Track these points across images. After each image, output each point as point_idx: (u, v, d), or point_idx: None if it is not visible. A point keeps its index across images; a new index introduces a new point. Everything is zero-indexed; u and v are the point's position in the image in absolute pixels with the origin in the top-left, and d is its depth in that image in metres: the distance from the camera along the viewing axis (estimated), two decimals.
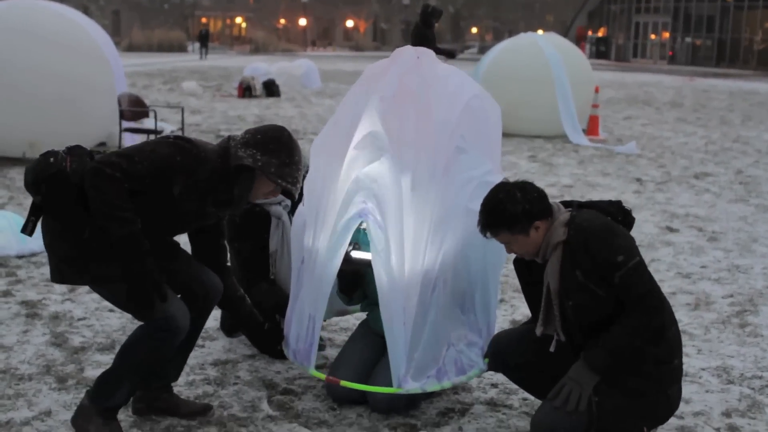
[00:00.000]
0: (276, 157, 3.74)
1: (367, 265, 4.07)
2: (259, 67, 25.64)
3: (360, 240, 4.16)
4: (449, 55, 16.17)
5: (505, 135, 14.86)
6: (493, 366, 4.12)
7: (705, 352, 5.13)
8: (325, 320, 4.29)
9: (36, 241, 6.92)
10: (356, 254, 4.15)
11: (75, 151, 3.71)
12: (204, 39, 50.41)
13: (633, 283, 3.54)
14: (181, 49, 58.48)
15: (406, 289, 3.94)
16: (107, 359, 4.81)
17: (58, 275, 3.75)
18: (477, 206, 3.89)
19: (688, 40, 53.30)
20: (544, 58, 14.65)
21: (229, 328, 5.09)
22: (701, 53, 52.29)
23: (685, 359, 4.93)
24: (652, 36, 56.62)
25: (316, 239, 4.13)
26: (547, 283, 3.69)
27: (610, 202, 3.81)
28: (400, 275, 3.93)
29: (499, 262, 4.31)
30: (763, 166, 12.31)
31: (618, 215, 3.73)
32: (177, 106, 12.93)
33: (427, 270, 3.98)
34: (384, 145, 4.02)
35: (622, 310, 3.57)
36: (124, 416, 4.13)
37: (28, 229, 3.73)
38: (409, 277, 3.94)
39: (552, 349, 3.79)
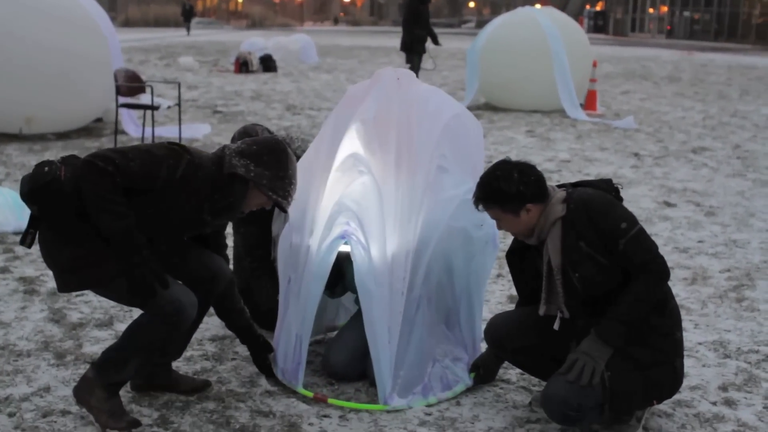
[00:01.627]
0: (269, 169, 3.73)
1: (345, 258, 4.09)
2: (256, 42, 25.52)
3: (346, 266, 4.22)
4: (434, 40, 16.15)
5: (503, 110, 14.90)
6: (492, 351, 4.18)
7: (702, 327, 5.15)
8: (314, 337, 4.30)
9: None
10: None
11: (69, 160, 3.70)
12: (188, 14, 49.01)
13: (637, 249, 3.56)
14: (178, 24, 58.21)
15: (390, 307, 3.99)
16: (105, 335, 4.82)
17: (63, 285, 3.76)
18: (459, 224, 4.04)
19: (687, 14, 53.10)
20: (541, 32, 14.59)
21: None
22: (700, 27, 52.10)
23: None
24: (651, 10, 56.42)
25: (300, 260, 4.16)
26: (548, 260, 3.71)
27: (600, 180, 3.85)
28: (384, 293, 3.98)
29: (483, 278, 4.36)
30: (761, 141, 12.30)
31: (610, 191, 3.77)
32: (174, 82, 12.90)
33: (411, 288, 4.03)
34: (365, 166, 4.05)
35: (627, 282, 3.60)
36: (123, 391, 4.14)
37: (27, 242, 3.73)
38: (393, 296, 3.99)
39: (556, 326, 3.81)
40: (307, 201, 4.19)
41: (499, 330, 4.08)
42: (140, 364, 3.84)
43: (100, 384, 3.78)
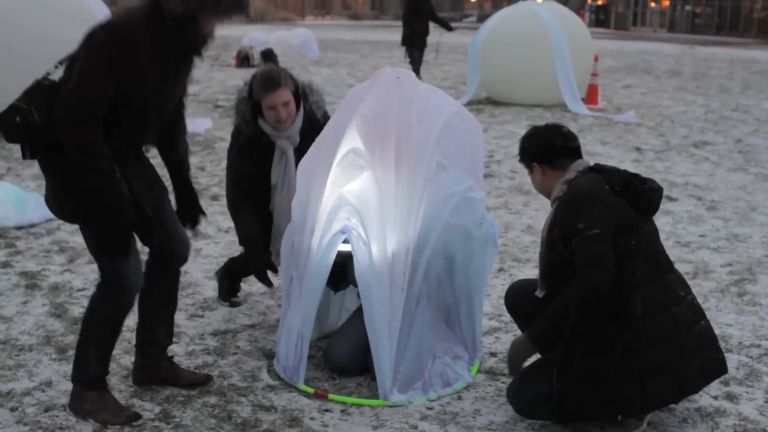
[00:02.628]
0: None
1: (349, 257, 4.10)
2: (257, 36, 25.48)
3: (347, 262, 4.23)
4: (446, 27, 16.14)
5: (504, 104, 14.88)
6: (509, 311, 4.39)
7: None
8: (313, 339, 4.31)
9: (35, 212, 6.93)
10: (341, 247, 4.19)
11: (35, 97, 3.62)
12: None
13: (581, 251, 3.59)
14: None
15: (390, 303, 4.01)
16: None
17: (47, 204, 3.84)
18: (459, 222, 4.09)
19: (688, 8, 52.99)
20: (543, 26, 14.56)
21: (227, 291, 5.18)
22: (701, 21, 52.00)
23: None
24: (652, 4, 56.32)
25: (302, 257, 4.17)
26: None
27: (621, 171, 3.83)
28: (385, 289, 3.99)
29: (483, 277, 4.37)
30: (763, 135, 12.28)
31: (617, 185, 3.72)
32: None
33: (410, 284, 4.05)
34: (365, 162, 4.06)
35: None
36: (125, 386, 4.15)
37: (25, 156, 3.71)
38: (393, 292, 4.01)
39: (539, 294, 3.92)
40: (309, 198, 4.19)
41: (513, 294, 4.28)
42: (104, 351, 3.83)
43: (82, 387, 3.82)
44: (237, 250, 6.32)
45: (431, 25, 15.91)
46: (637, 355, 3.58)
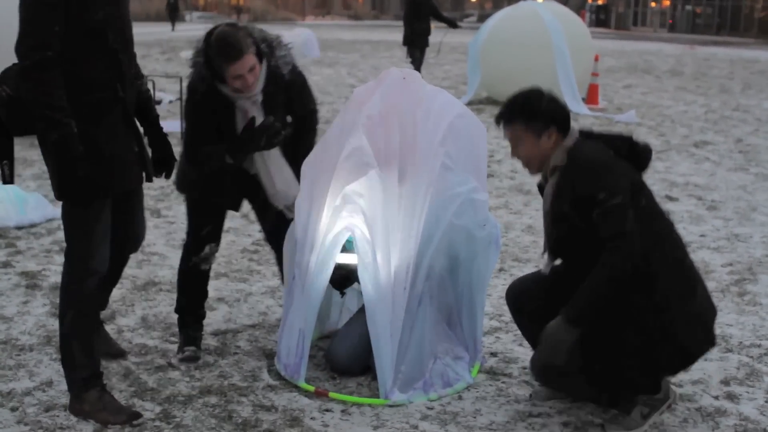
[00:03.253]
0: None
1: (355, 270, 4.15)
2: None
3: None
4: (452, 24, 16.13)
5: None
6: (512, 314, 4.20)
7: None
8: (314, 338, 4.31)
9: (35, 212, 6.93)
10: (343, 258, 4.23)
11: (6, 74, 3.71)
12: (173, 9, 46.25)
13: (607, 222, 3.47)
14: (180, 18, 58.21)
15: (392, 302, 4.01)
16: (107, 329, 4.82)
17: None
18: (462, 222, 4.06)
19: (689, 7, 53.00)
20: (543, 26, 14.56)
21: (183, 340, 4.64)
22: (702, 21, 52.01)
23: None
24: (653, 4, 56.32)
25: (305, 255, 4.17)
26: (543, 207, 3.77)
27: (618, 135, 3.74)
28: (387, 288, 4.00)
29: (485, 278, 4.37)
30: (763, 135, 12.28)
31: (622, 149, 3.65)
32: (175, 76, 12.87)
33: (413, 284, 4.05)
34: (370, 160, 4.06)
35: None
36: (125, 386, 4.15)
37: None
38: (395, 291, 4.01)
39: (544, 270, 3.83)
40: (313, 196, 4.19)
41: (517, 293, 4.10)
42: (87, 344, 3.86)
43: (78, 388, 3.84)
44: (236, 251, 6.33)
45: (434, 24, 15.91)
46: (666, 312, 3.55)
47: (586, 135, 3.76)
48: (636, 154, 3.69)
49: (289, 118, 4.23)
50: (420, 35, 15.67)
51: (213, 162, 4.29)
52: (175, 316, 4.73)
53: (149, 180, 4.00)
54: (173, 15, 45.84)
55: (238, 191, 4.50)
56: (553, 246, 3.77)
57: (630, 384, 3.69)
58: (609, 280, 3.50)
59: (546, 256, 3.87)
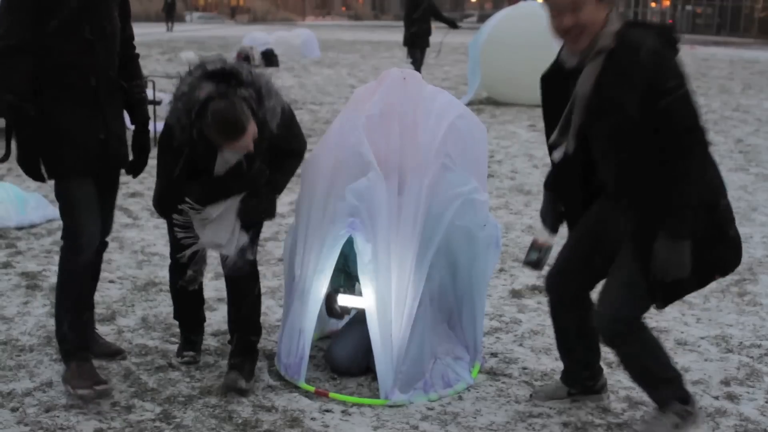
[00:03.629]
0: None
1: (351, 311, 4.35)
2: (258, 36, 25.50)
3: (349, 255, 4.27)
4: (452, 25, 16.16)
5: (505, 104, 14.87)
6: (553, 305, 3.93)
7: (704, 321, 5.14)
8: (314, 339, 4.31)
9: (36, 212, 6.93)
10: (343, 300, 4.33)
11: None
12: (170, 9, 44.40)
13: (680, 112, 3.21)
14: (179, 18, 58.23)
15: (392, 302, 4.01)
16: (107, 330, 4.83)
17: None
18: (463, 223, 4.04)
19: (689, 8, 53.02)
20: (543, 26, 14.40)
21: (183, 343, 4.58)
22: (702, 21, 52.01)
23: (684, 328, 4.98)
24: (653, 4, 56.32)
25: (305, 255, 4.18)
26: (577, 89, 3.42)
27: (661, 25, 3.46)
28: (387, 289, 4.00)
29: (486, 279, 4.38)
30: (763, 135, 12.28)
31: (667, 40, 3.35)
32: (175, 77, 12.89)
33: (413, 284, 4.05)
34: (370, 161, 4.06)
35: (650, 145, 3.27)
36: (125, 386, 4.15)
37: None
38: (396, 291, 4.01)
39: (556, 159, 3.59)
40: (313, 195, 4.19)
41: (557, 280, 3.87)
42: (73, 318, 4.06)
43: (66, 359, 4.05)
44: None
45: (434, 25, 15.94)
46: (715, 209, 3.43)
47: (631, 24, 3.44)
48: (675, 45, 3.37)
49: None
50: (420, 36, 15.68)
51: (185, 213, 4.10)
52: None
53: (127, 172, 4.32)
54: (170, 15, 44.59)
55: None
56: (579, 131, 3.44)
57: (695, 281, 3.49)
58: (701, 176, 3.31)
59: (562, 140, 3.53)
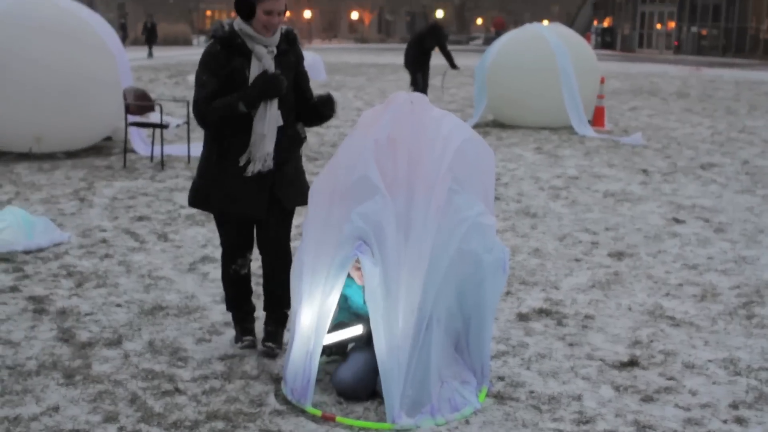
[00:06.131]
0: None
1: (349, 342, 4.45)
2: None
3: (349, 295, 4.42)
4: (452, 65, 16.40)
5: (511, 127, 14.90)
6: None
7: (712, 344, 5.13)
8: (321, 362, 4.32)
9: (43, 236, 6.95)
10: (336, 336, 4.39)
11: None
12: (150, 34, 41.20)
13: None
14: (186, 42, 58.48)
15: (400, 326, 4.01)
16: (114, 354, 4.83)
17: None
18: (470, 247, 4.07)
19: (694, 29, 53.04)
20: (549, 49, 14.60)
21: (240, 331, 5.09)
22: (707, 43, 52.04)
23: (691, 351, 4.96)
24: (658, 26, 56.39)
25: (314, 277, 4.18)
26: None
27: None
28: (395, 312, 4.01)
29: (493, 303, 4.38)
30: None
31: None
32: (183, 100, 12.93)
33: (420, 308, 4.05)
34: (378, 185, 4.07)
35: None
36: (132, 411, 4.14)
37: None
38: (403, 315, 4.02)
39: None
40: (321, 218, 4.20)
41: None
42: None
43: None
44: None
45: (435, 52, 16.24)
46: None
47: None
48: None
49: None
50: (422, 63, 15.96)
51: (225, 111, 4.58)
52: (182, 341, 4.78)
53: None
54: (150, 39, 41.01)
55: (248, 199, 4.71)
56: None
57: None
58: None
59: None
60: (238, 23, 4.64)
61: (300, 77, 4.84)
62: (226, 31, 4.64)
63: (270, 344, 4.85)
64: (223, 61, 4.63)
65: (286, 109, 4.71)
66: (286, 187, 4.75)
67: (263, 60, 4.64)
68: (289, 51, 4.75)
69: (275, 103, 4.62)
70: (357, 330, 4.42)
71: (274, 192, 4.73)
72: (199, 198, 4.82)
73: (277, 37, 4.69)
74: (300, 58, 4.85)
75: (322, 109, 4.81)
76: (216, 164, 4.72)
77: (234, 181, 4.66)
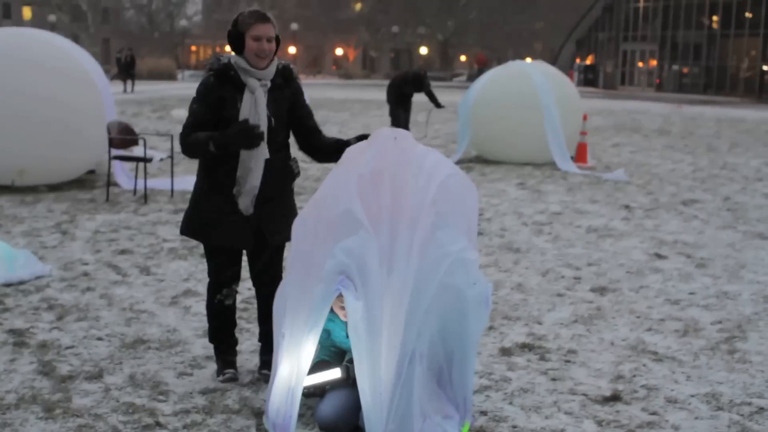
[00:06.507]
0: None
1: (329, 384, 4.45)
2: None
3: (331, 326, 4.48)
4: (435, 103, 16.70)
5: (494, 162, 14.97)
6: None
7: (694, 379, 5.13)
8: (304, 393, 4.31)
9: (24, 269, 6.91)
10: (314, 378, 4.40)
11: None
12: (127, 67, 39.29)
13: None
14: (171, 77, 58.64)
15: (382, 360, 4.00)
16: (95, 388, 4.79)
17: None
18: (453, 281, 4.07)
19: (676, 67, 53.60)
20: (532, 86, 14.72)
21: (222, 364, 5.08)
22: (688, 81, 52.57)
23: (674, 386, 4.96)
24: (640, 64, 56.96)
25: (296, 312, 4.17)
26: None
27: None
28: (377, 347, 3.99)
29: (475, 338, 4.37)
30: (750, 193, 12.37)
31: None
32: (166, 134, 12.96)
33: (403, 342, 4.04)
34: (362, 219, 4.08)
35: None
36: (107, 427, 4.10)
37: None
38: (386, 349, 4.01)
39: None
40: (304, 253, 4.20)
41: None
42: None
43: None
44: None
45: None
46: None
47: None
48: None
49: (272, 121, 4.71)
50: (404, 102, 16.41)
51: (198, 148, 4.64)
52: (164, 375, 4.73)
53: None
54: (128, 74, 39.13)
55: (234, 231, 4.76)
56: None
57: None
58: None
59: None
60: (234, 57, 4.70)
61: (300, 111, 4.87)
62: (222, 64, 4.69)
63: (266, 372, 4.84)
64: (216, 93, 4.69)
65: (275, 144, 4.74)
66: (272, 221, 4.76)
67: (255, 92, 4.67)
68: (283, 86, 4.79)
69: (264, 134, 4.66)
70: (335, 373, 4.41)
71: (261, 226, 4.76)
72: (188, 227, 4.88)
73: (271, 71, 4.73)
74: (298, 94, 4.86)
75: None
76: (206, 194, 4.77)
77: (221, 212, 4.71)
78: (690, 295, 6.95)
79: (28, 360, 5.21)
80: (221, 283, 4.93)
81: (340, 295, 4.13)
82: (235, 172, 4.67)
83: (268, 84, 4.73)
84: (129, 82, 38.84)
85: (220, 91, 4.67)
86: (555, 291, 6.97)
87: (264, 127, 4.64)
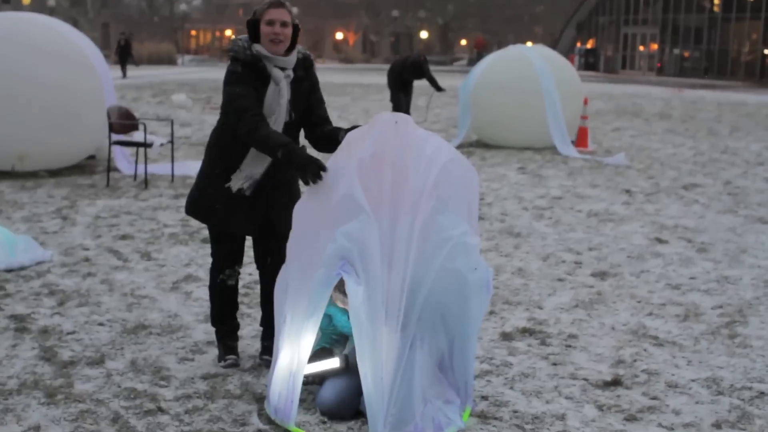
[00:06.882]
0: None
1: (330, 373, 4.43)
2: None
3: (332, 311, 4.45)
4: (436, 87, 16.65)
5: (495, 147, 14.96)
6: None
7: (695, 364, 5.14)
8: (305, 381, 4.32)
9: (25, 255, 6.91)
10: (314, 367, 4.38)
11: None
12: (123, 52, 38.29)
13: None
14: (171, 61, 58.54)
15: (383, 345, 4.01)
16: (96, 373, 4.80)
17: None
18: (454, 266, 4.06)
19: (677, 51, 53.50)
20: (533, 70, 14.69)
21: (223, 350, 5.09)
22: (689, 65, 52.49)
23: (675, 370, 4.97)
24: (641, 47, 56.85)
25: (298, 297, 4.18)
26: None
27: None
28: (378, 331, 4.00)
29: (477, 322, 4.37)
30: (751, 177, 12.36)
31: None
32: (167, 119, 12.94)
33: (404, 326, 4.05)
34: (363, 204, 4.08)
35: None
36: (113, 430, 4.11)
37: None
38: (387, 333, 4.02)
39: None
40: (305, 238, 4.20)
41: None
42: None
43: None
44: None
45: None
46: None
47: None
48: None
49: (292, 115, 4.79)
50: (405, 86, 16.35)
51: (267, 144, 4.49)
52: (165, 360, 4.74)
53: None
54: (123, 59, 38.13)
55: (241, 217, 4.78)
56: None
57: None
58: None
59: None
60: (255, 46, 4.69)
61: (315, 102, 4.88)
62: (249, 54, 4.67)
63: (267, 357, 4.86)
64: (249, 80, 4.66)
65: (290, 136, 4.72)
66: (281, 209, 4.73)
67: (280, 84, 4.69)
68: (304, 77, 4.81)
69: (281, 126, 4.68)
70: (334, 363, 4.42)
71: (267, 214, 4.77)
72: (194, 208, 4.89)
73: (293, 59, 4.74)
74: (315, 84, 4.89)
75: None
76: (216, 179, 4.76)
77: (230, 198, 4.72)
78: (691, 279, 6.95)
79: (29, 345, 5.22)
80: (224, 264, 4.96)
81: (340, 286, 4.14)
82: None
83: (291, 75, 4.75)
84: (124, 69, 37.57)
85: (248, 80, 4.67)
86: (555, 276, 6.98)
87: (283, 120, 4.69)
